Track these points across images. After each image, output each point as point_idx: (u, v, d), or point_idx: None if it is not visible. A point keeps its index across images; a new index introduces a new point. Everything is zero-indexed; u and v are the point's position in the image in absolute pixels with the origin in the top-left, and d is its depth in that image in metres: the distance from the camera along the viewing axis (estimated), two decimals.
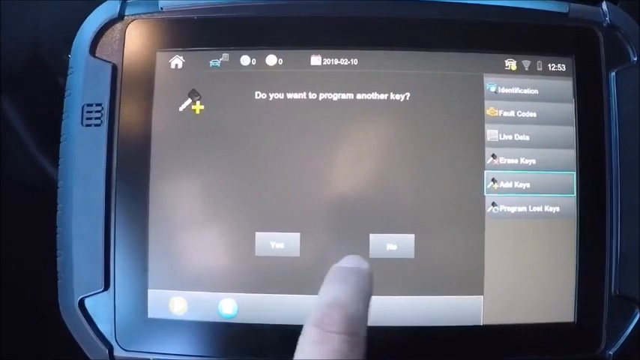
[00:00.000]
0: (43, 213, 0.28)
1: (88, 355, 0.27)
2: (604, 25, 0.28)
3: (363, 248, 0.27)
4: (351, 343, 0.18)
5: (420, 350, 0.27)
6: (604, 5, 0.28)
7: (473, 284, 0.27)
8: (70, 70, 0.28)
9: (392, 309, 0.27)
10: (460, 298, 0.27)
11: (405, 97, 0.27)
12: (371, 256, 0.27)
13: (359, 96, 0.27)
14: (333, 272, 0.20)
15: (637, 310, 0.27)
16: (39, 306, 0.31)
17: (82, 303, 0.27)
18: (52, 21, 0.34)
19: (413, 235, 0.27)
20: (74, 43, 0.28)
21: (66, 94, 0.28)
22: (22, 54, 0.33)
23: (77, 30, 0.28)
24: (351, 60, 0.27)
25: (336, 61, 0.27)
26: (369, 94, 0.27)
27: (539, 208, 0.27)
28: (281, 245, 0.27)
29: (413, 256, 0.27)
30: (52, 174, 0.34)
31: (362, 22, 0.28)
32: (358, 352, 0.18)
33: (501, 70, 0.28)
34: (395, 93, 0.27)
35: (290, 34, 0.27)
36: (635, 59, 0.28)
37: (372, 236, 0.27)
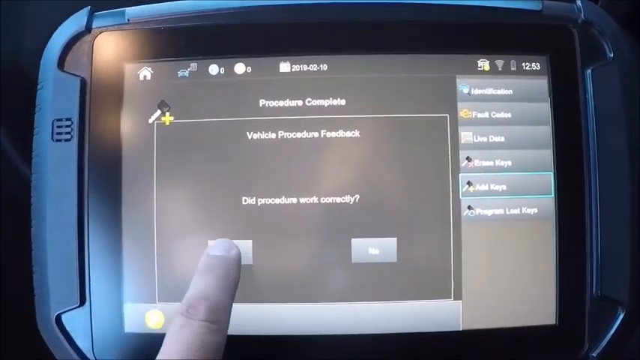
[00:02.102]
0: (26, 222, 0.28)
1: None
2: (579, 21, 0.28)
3: (345, 253, 0.27)
4: (211, 329, 0.21)
5: (399, 357, 0.27)
6: (578, 1, 0.28)
7: (451, 289, 0.27)
8: (39, 85, 0.28)
9: (372, 315, 0.27)
10: (438, 302, 0.27)
11: (377, 101, 0.27)
12: (353, 260, 0.27)
13: (330, 101, 0.27)
14: (203, 261, 0.23)
15: (620, 310, 0.27)
16: (23, 317, 0.31)
17: (58, 319, 0.27)
18: (32, 33, 0.34)
19: (395, 239, 0.27)
20: (43, 57, 0.28)
21: (36, 109, 0.28)
22: (6, 68, 0.33)
23: None
24: (321, 65, 0.27)
25: (306, 67, 0.27)
26: (340, 100, 0.27)
27: (516, 210, 0.27)
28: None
29: (395, 260, 0.27)
30: None
31: (331, 26, 0.27)
32: (218, 336, 0.21)
33: (474, 71, 0.27)
34: (366, 97, 0.27)
35: (258, 41, 0.27)
36: (612, 56, 0.27)
37: (353, 241, 0.27)
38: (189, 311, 0.21)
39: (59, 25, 0.28)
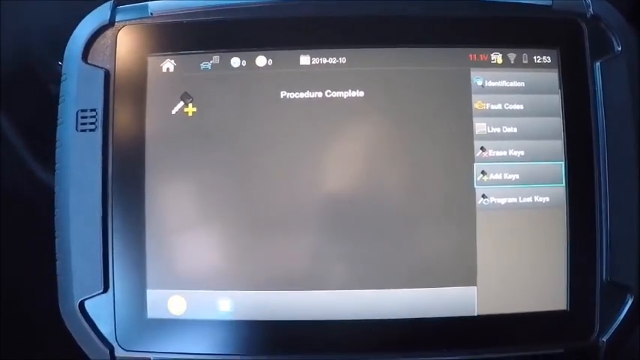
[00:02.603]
0: (35, 217, 0.29)
1: (90, 356, 0.28)
2: (587, 16, 0.28)
3: (359, 242, 0.27)
4: None
5: (416, 342, 0.28)
6: None
7: (466, 276, 0.27)
8: (63, 77, 0.28)
9: (388, 301, 0.27)
10: (454, 289, 0.27)
11: (395, 93, 0.28)
12: (366, 249, 0.27)
13: (349, 93, 0.28)
14: None
15: (629, 296, 0.28)
16: (37, 309, 0.31)
17: (82, 305, 0.27)
18: (40, 29, 0.35)
19: (410, 228, 0.27)
20: (66, 49, 0.29)
21: (60, 100, 0.28)
22: (12, 62, 0.33)
23: (66, 37, 0.29)
24: (340, 59, 0.28)
25: (325, 60, 0.28)
26: (359, 92, 0.28)
27: (529, 199, 0.28)
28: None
29: (409, 250, 0.27)
30: (43, 179, 0.34)
31: (349, 20, 0.28)
32: None
33: (488, 64, 0.28)
34: (384, 89, 0.28)
35: (279, 34, 0.28)
36: (619, 49, 0.28)
37: (366, 229, 0.27)
38: None
39: (71, 20, 0.29)
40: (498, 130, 0.28)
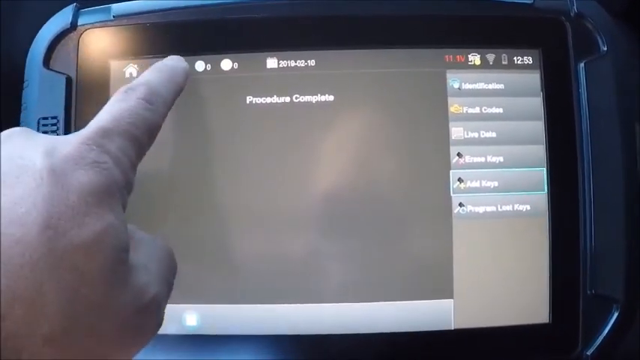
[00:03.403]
0: None
1: None
2: (571, 14, 0.27)
3: (335, 252, 0.26)
4: (146, 107, 0.21)
5: (392, 357, 0.27)
6: None
7: (442, 288, 0.26)
8: (25, 83, 0.28)
9: (361, 315, 0.26)
10: (430, 302, 0.26)
11: (366, 97, 0.27)
12: (343, 260, 0.26)
13: (319, 97, 0.27)
14: (153, 65, 0.24)
15: (614, 308, 0.26)
16: None
17: None
18: (22, 32, 0.34)
19: (384, 238, 0.26)
20: (28, 54, 0.28)
21: (22, 107, 0.28)
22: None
23: None
24: (309, 61, 0.27)
25: (293, 63, 0.27)
26: (328, 96, 0.27)
27: (508, 207, 0.27)
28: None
29: (384, 259, 0.26)
30: None
31: (318, 21, 0.27)
32: (151, 114, 0.21)
33: (465, 66, 0.27)
34: (354, 93, 0.27)
35: (244, 36, 0.27)
36: (605, 49, 0.27)
37: (342, 240, 0.26)
38: (128, 92, 0.21)
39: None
40: (476, 135, 0.27)
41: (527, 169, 0.27)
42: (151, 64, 0.26)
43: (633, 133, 0.27)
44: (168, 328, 0.26)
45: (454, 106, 0.27)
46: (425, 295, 0.26)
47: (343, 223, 0.26)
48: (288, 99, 0.26)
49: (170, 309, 0.26)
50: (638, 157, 0.27)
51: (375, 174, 0.27)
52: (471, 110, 0.27)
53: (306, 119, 0.26)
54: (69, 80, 0.27)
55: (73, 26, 0.27)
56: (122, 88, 0.21)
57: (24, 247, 0.16)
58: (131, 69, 0.27)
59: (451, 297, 0.26)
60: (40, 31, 0.28)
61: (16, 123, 0.28)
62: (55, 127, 0.27)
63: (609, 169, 0.26)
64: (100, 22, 0.27)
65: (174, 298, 0.26)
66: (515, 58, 0.27)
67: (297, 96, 0.27)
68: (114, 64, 0.27)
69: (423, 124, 0.26)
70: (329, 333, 0.26)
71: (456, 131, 0.26)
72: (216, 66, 0.27)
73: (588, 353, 0.26)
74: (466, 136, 0.27)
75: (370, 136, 0.27)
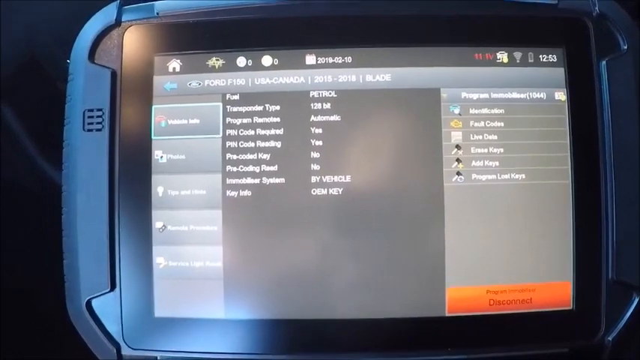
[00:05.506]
0: (43, 216, 0.29)
1: (97, 355, 0.28)
2: (593, 15, 0.28)
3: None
4: None
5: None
6: None
7: (473, 275, 0.27)
8: (70, 77, 0.29)
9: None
10: (462, 289, 0.27)
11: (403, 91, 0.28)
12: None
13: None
14: None
15: (635, 295, 0.28)
16: (44, 308, 0.31)
17: (89, 304, 0.28)
18: (47, 26, 0.35)
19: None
20: (73, 49, 0.29)
21: (67, 100, 0.28)
22: (19, 59, 0.33)
23: (74, 35, 0.29)
24: (346, 58, 0.28)
25: (331, 60, 0.28)
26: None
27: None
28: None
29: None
30: (52, 177, 0.34)
31: (355, 20, 0.28)
32: None
33: (494, 63, 0.28)
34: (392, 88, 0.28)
35: (284, 34, 0.28)
36: (625, 48, 0.28)
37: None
38: None
39: (76, 16, 0.29)
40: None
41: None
42: (193, 60, 0.28)
43: None
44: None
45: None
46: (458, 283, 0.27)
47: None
48: (326, 93, 0.28)
49: None
50: None
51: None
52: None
53: (347, 110, 0.28)
54: (114, 74, 0.28)
55: (118, 22, 0.28)
56: None
57: None
58: (174, 64, 0.28)
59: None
60: (84, 27, 0.29)
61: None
62: (100, 119, 0.28)
63: (630, 162, 0.28)
64: (144, 18, 0.28)
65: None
66: (540, 55, 0.28)
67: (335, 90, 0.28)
68: (157, 59, 0.28)
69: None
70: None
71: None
72: (257, 62, 0.28)
73: (609, 338, 0.27)
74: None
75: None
